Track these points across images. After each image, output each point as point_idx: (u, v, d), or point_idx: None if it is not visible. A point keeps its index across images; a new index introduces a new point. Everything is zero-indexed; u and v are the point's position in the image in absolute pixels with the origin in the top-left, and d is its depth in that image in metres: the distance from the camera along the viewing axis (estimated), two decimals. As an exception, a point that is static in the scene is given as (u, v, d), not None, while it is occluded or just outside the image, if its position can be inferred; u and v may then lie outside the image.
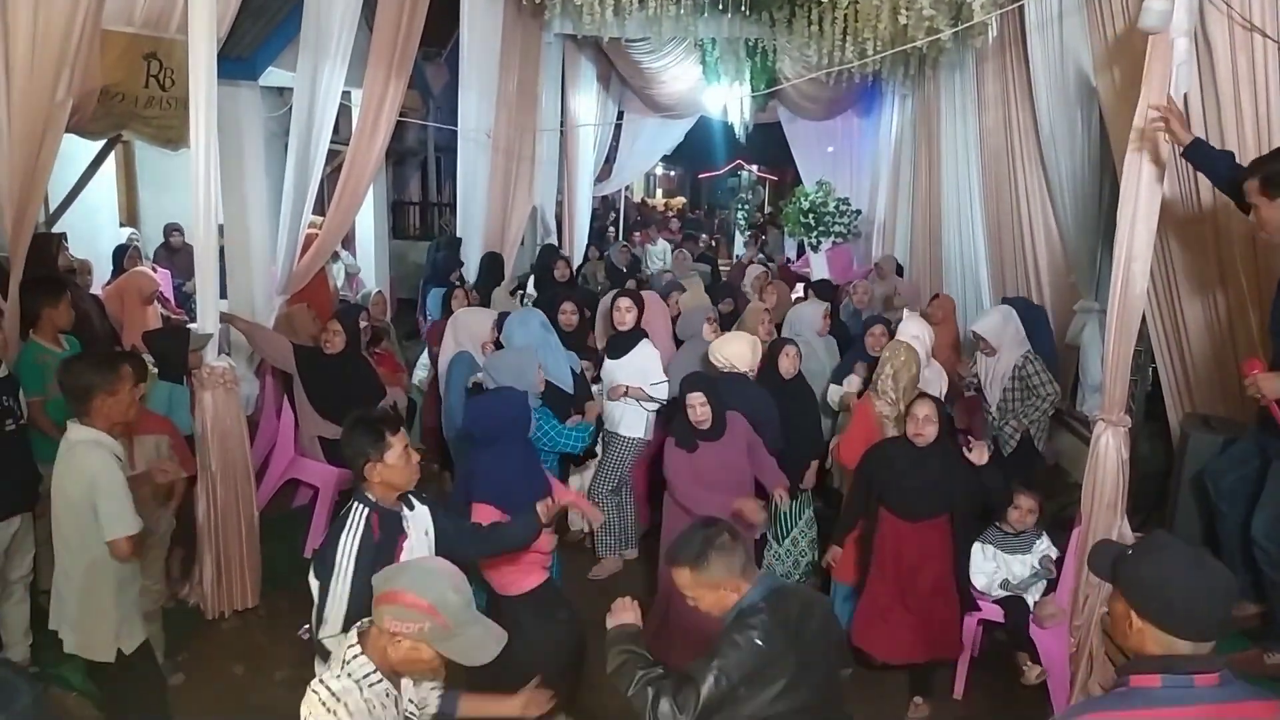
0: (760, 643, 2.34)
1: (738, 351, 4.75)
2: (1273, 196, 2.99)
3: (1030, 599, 4.17)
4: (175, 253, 8.66)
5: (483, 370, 4.65)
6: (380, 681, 2.19)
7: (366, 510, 2.76)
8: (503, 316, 5.33)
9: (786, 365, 4.96)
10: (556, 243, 10.81)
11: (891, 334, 5.24)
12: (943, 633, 4.02)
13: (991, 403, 5.39)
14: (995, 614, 4.19)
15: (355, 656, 2.19)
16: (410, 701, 2.36)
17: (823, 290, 7.72)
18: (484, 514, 3.42)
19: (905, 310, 6.24)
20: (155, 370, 4.49)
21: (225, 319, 4.81)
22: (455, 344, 5.21)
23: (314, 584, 2.70)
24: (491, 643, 2.27)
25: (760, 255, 13.63)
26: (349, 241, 9.84)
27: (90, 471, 3.09)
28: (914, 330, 4.98)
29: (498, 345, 5.15)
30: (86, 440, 3.14)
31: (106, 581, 3.17)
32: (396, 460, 2.77)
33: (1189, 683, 1.72)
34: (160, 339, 4.73)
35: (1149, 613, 1.78)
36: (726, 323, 6.19)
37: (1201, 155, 3.48)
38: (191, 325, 4.68)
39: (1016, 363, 5.24)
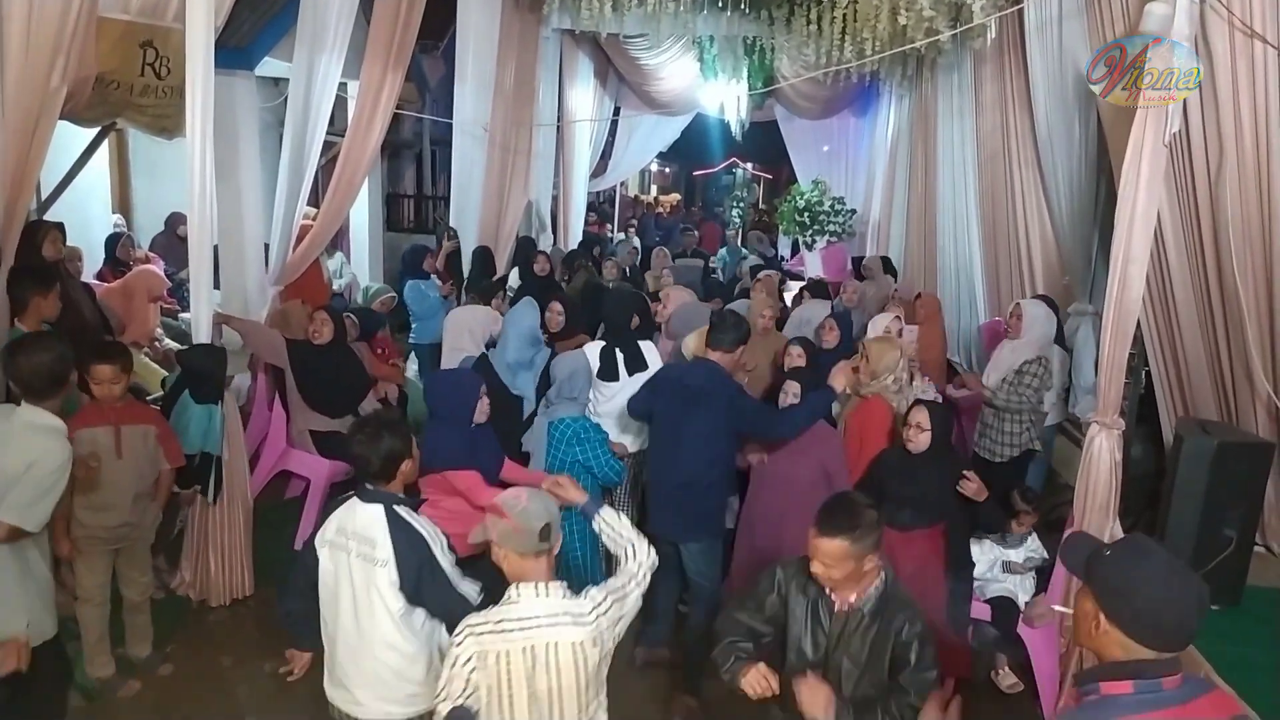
0: None
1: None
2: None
3: (1021, 599, 4.18)
4: (181, 241, 8.56)
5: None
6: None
7: (406, 509, 2.81)
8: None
9: (790, 364, 4.94)
10: (552, 238, 10.79)
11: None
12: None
13: (989, 386, 5.41)
14: (984, 613, 4.20)
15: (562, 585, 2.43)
16: None
17: (818, 290, 7.72)
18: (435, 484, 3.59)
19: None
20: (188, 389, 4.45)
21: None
22: (456, 346, 5.17)
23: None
24: None
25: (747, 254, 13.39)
26: (343, 234, 9.78)
27: (37, 454, 3.01)
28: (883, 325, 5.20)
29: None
30: (49, 427, 3.09)
31: (13, 562, 3.04)
32: (416, 456, 2.91)
33: (1158, 687, 1.72)
34: (197, 358, 4.51)
35: (1119, 619, 1.76)
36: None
37: None
38: (220, 344, 4.57)
39: (1028, 358, 5.25)
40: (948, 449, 4.06)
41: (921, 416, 3.92)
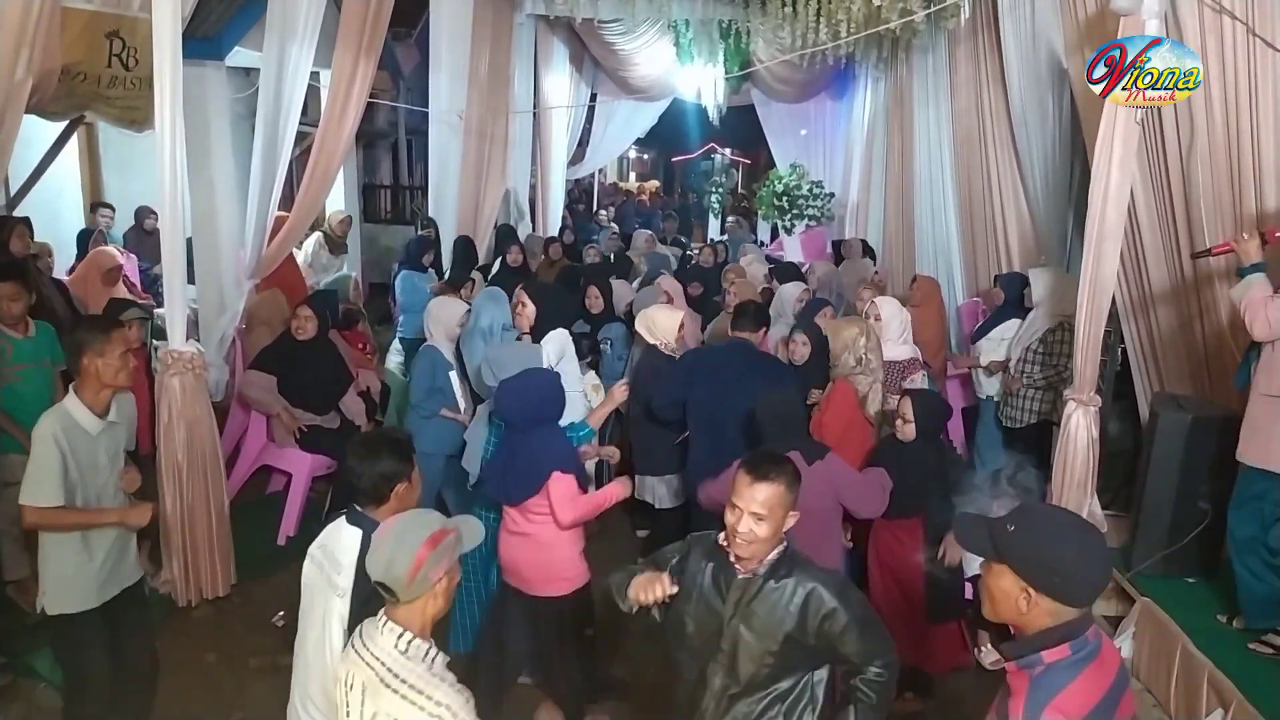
0: None
1: (666, 325, 4.84)
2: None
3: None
4: (149, 236, 8.48)
5: (485, 362, 4.29)
6: (437, 654, 2.08)
7: None
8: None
9: (791, 352, 4.86)
10: (530, 226, 10.74)
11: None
12: (911, 641, 3.80)
13: (1012, 360, 5.44)
14: (966, 590, 4.22)
15: (411, 643, 2.04)
16: None
17: (785, 273, 7.72)
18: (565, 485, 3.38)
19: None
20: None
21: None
22: (429, 335, 5.12)
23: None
24: (474, 522, 2.26)
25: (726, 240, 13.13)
26: (319, 226, 9.69)
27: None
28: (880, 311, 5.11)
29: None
30: (59, 408, 3.07)
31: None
32: (417, 480, 2.68)
33: (1086, 642, 1.78)
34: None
35: (1049, 588, 1.77)
36: (696, 306, 6.14)
37: None
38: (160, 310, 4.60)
39: (1050, 326, 5.27)
40: (934, 440, 3.98)
41: (905, 408, 3.88)
